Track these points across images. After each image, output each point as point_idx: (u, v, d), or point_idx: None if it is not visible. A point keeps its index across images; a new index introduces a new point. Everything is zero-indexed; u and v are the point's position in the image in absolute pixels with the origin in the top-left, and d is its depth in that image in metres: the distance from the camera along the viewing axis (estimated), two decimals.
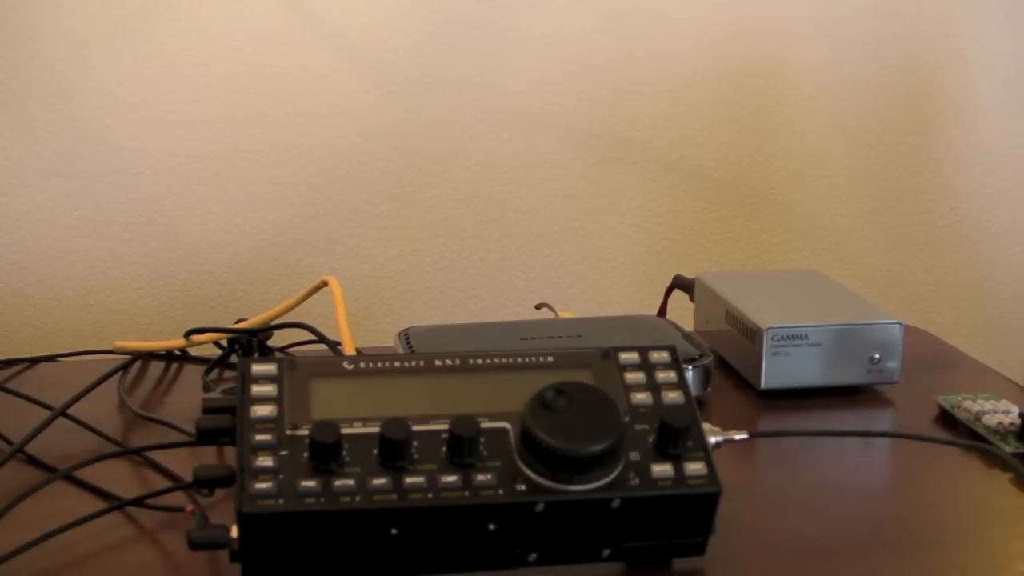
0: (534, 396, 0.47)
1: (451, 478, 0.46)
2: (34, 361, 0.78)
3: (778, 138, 1.04)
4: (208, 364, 0.76)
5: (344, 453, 0.46)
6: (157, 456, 0.60)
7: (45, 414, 0.61)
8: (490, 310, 1.01)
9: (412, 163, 0.99)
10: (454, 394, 0.50)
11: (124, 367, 0.74)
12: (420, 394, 0.49)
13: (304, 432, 0.46)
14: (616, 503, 0.46)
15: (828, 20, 1.02)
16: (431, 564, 0.47)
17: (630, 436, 0.48)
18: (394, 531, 0.45)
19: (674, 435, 0.47)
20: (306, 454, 0.46)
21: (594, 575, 0.49)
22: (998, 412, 0.65)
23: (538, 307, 0.85)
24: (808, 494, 0.59)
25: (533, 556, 0.47)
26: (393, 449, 0.45)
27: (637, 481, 0.47)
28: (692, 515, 0.48)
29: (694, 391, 0.65)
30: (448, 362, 0.51)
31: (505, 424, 0.48)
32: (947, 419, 0.68)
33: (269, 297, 0.97)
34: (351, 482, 0.45)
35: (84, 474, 0.58)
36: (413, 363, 0.51)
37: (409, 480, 0.45)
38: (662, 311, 0.84)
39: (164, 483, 0.58)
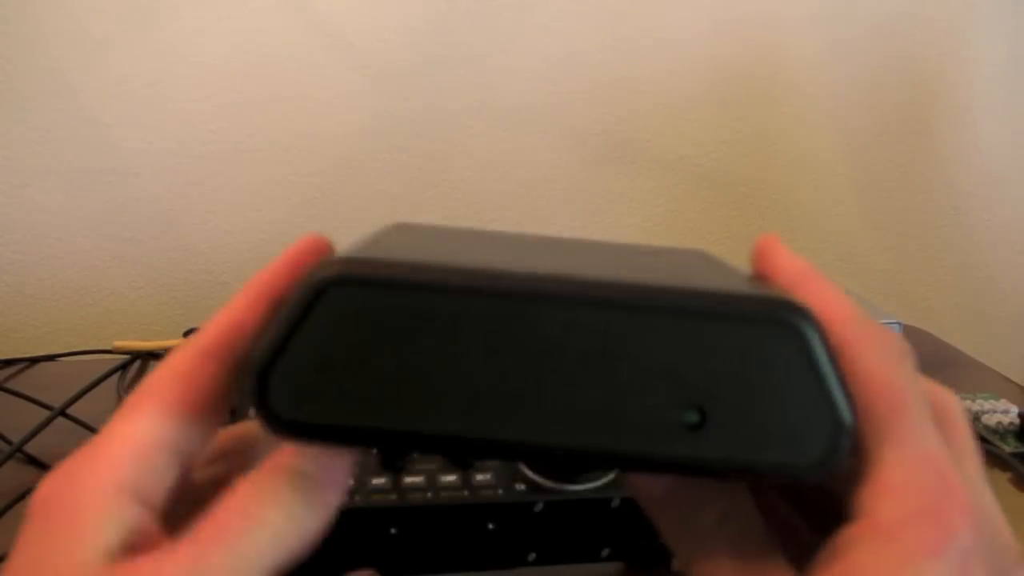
0: None
1: (450, 477, 0.46)
2: (33, 361, 0.78)
3: (778, 138, 1.04)
4: None
5: None
6: None
7: (45, 414, 0.61)
8: None
9: (412, 163, 0.99)
10: None
11: (123, 367, 0.74)
12: None
13: None
14: (616, 503, 0.46)
15: (828, 20, 1.02)
16: (431, 564, 0.47)
17: None
18: (393, 531, 0.45)
19: None
20: None
21: (594, 575, 0.49)
22: (997, 412, 0.65)
23: None
24: None
25: (533, 556, 0.47)
26: None
27: None
28: None
29: None
30: None
31: None
32: None
33: None
34: (350, 481, 0.45)
35: None
36: None
37: (408, 479, 0.45)
38: None
39: None
